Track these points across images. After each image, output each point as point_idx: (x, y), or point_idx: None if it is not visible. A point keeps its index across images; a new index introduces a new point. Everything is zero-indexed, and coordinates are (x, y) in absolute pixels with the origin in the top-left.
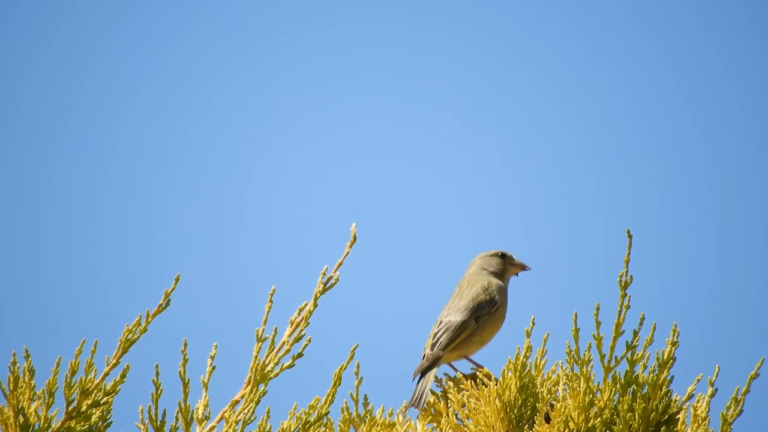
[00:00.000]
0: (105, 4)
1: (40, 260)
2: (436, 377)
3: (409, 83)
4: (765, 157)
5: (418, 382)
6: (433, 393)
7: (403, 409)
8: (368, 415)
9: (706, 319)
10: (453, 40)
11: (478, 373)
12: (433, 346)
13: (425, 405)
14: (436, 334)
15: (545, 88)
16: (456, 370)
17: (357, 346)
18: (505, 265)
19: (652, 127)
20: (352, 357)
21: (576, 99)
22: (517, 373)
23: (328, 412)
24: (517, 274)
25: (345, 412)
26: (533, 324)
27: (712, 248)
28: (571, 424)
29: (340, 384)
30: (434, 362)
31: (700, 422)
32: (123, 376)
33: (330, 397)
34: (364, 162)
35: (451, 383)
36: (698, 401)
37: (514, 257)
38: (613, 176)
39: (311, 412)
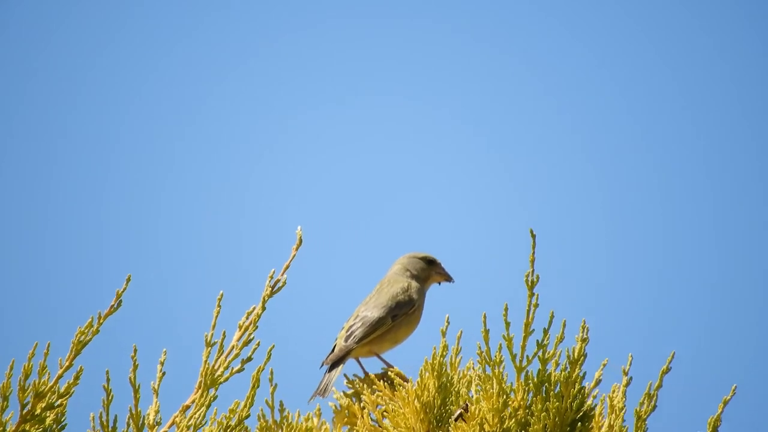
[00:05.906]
0: (105, 4)
1: None
2: (346, 376)
3: (407, 83)
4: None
5: (327, 373)
6: (346, 395)
7: (311, 400)
8: (285, 421)
9: (617, 315)
10: (450, 39)
11: (389, 372)
12: (347, 338)
13: (332, 394)
14: (350, 326)
15: (536, 86)
16: (364, 370)
17: (273, 346)
18: (430, 272)
19: (643, 131)
20: (268, 359)
21: (563, 99)
22: (435, 373)
23: (249, 416)
24: (439, 283)
25: (261, 420)
26: (448, 323)
27: (617, 240)
28: (486, 427)
29: (258, 386)
30: (346, 354)
31: (617, 413)
32: (77, 378)
33: (249, 401)
34: (327, 166)
35: (364, 384)
36: (614, 391)
37: (441, 265)
38: (526, 176)
39: (231, 416)
